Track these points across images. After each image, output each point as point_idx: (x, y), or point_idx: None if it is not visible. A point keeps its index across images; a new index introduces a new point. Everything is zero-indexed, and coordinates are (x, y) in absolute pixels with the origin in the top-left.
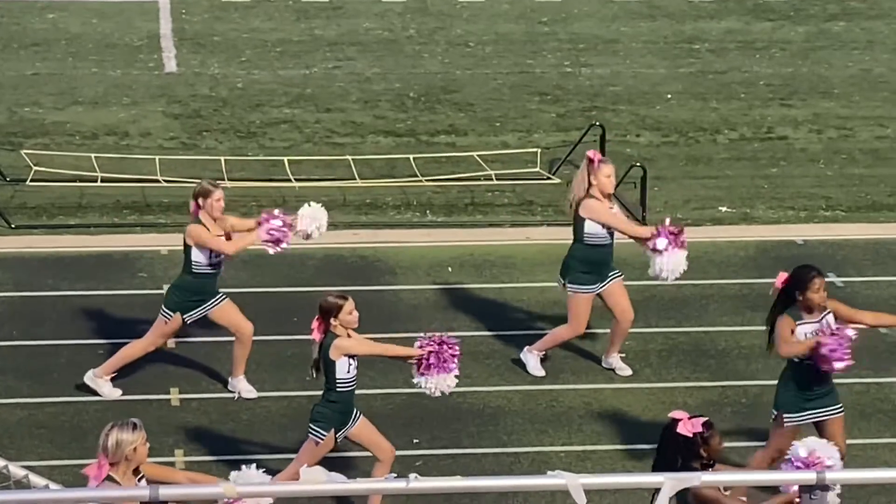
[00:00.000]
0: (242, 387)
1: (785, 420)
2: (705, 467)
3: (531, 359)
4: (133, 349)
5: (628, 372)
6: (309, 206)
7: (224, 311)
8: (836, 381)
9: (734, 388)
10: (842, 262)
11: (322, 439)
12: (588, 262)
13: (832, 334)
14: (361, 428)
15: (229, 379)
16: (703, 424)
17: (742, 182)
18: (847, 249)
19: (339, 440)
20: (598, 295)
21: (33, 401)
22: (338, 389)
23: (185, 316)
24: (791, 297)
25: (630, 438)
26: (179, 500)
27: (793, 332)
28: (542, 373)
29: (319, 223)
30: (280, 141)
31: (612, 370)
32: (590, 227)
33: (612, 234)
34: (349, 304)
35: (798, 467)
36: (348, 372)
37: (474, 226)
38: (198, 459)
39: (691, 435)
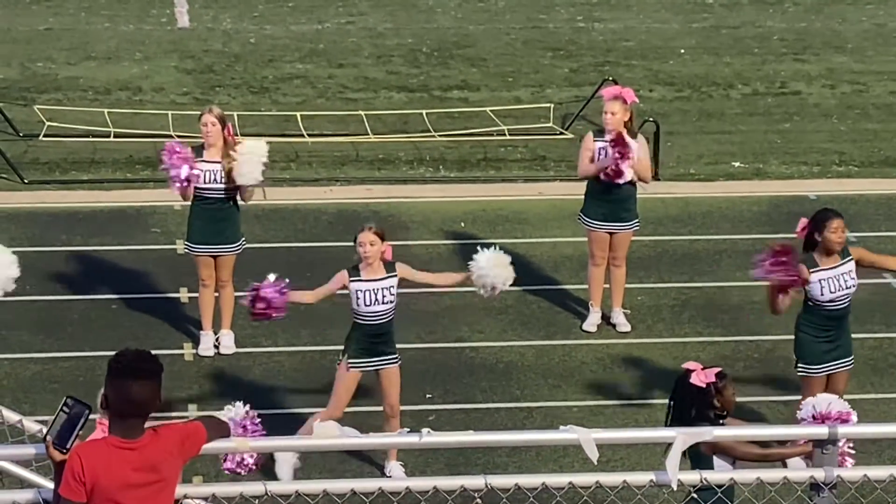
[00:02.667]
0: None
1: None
2: (719, 418)
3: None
4: None
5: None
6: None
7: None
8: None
9: (746, 342)
10: (854, 217)
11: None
12: (589, 192)
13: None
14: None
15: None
16: (717, 375)
17: (755, 137)
18: (860, 205)
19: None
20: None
21: (47, 355)
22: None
23: None
24: (813, 242)
25: (643, 393)
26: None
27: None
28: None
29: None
30: (293, 96)
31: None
32: None
33: (615, 176)
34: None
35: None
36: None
37: (487, 181)
38: (211, 415)
39: (704, 385)
